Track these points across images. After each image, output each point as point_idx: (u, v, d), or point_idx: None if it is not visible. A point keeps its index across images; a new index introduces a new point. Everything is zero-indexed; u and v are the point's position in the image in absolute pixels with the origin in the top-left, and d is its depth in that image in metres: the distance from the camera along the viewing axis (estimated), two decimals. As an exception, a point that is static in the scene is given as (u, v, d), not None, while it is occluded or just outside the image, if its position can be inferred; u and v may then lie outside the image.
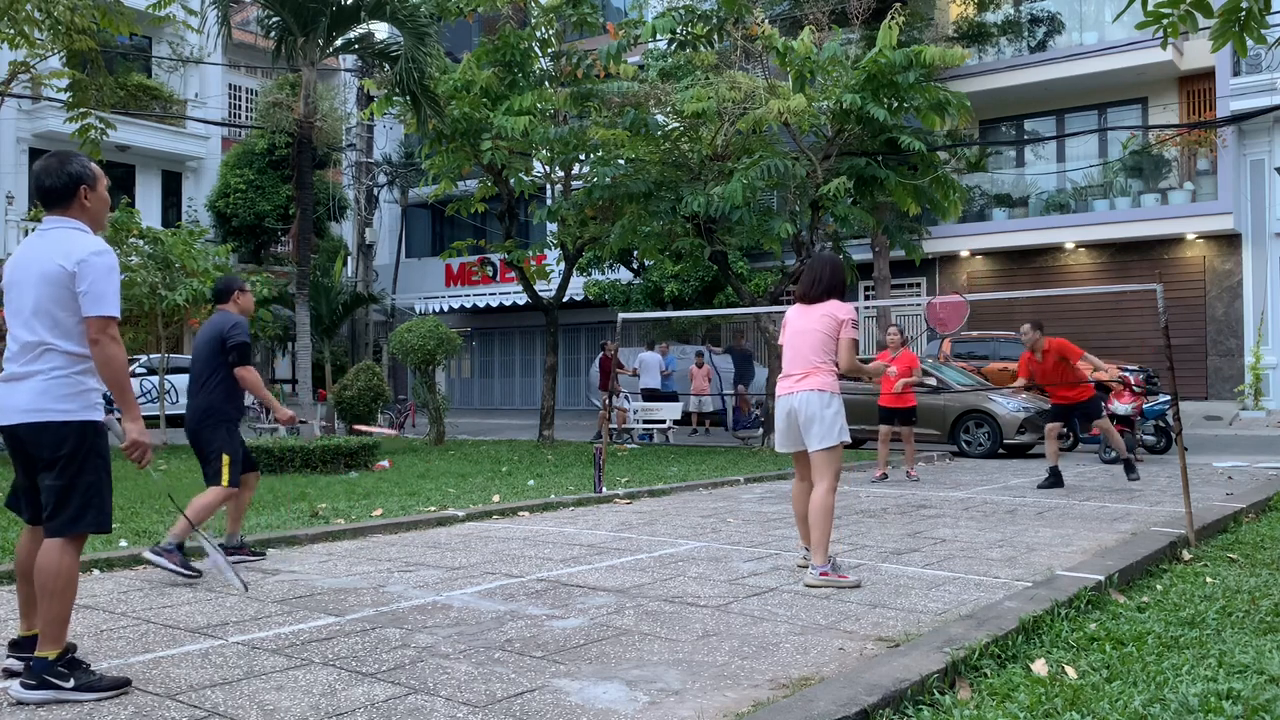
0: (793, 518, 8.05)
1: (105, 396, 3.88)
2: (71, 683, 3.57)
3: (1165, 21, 4.92)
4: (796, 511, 5.94)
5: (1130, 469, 10.33)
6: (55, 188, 3.79)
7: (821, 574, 5.42)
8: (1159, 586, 5.41)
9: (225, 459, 5.98)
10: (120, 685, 3.67)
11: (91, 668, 3.73)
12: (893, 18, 13.55)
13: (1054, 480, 10.21)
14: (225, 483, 5.99)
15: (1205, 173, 20.67)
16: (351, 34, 15.17)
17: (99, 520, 3.75)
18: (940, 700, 3.51)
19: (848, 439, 5.64)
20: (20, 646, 3.86)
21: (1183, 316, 20.07)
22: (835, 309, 5.70)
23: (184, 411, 6.35)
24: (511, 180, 16.54)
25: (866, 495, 9.77)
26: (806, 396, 5.58)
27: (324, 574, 5.87)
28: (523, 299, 25.59)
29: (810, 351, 5.66)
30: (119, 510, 8.09)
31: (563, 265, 17.97)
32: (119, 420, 3.96)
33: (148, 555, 5.76)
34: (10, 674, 3.79)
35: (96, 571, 5.92)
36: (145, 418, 14.30)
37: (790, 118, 13.27)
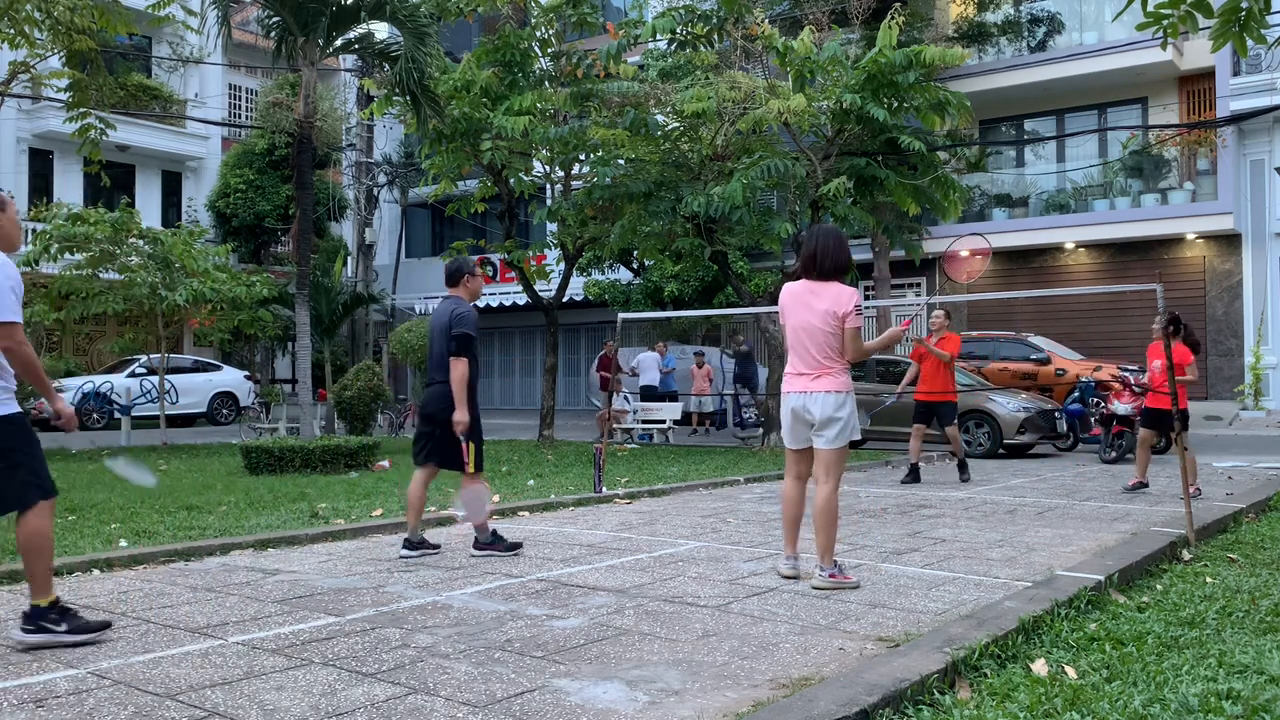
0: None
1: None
2: (64, 626, 4.25)
3: (1165, 22, 4.92)
4: (789, 515, 5.70)
5: (963, 469, 11.03)
6: None
7: (830, 575, 5.36)
8: (1159, 586, 5.41)
9: (470, 446, 6.35)
10: (103, 627, 4.38)
11: (79, 614, 4.39)
12: (893, 18, 13.54)
13: (913, 477, 10.92)
14: (472, 469, 6.35)
15: (1205, 173, 20.67)
16: (351, 34, 15.16)
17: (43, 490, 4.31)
18: (940, 700, 3.51)
19: (858, 436, 5.56)
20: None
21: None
22: (838, 302, 5.40)
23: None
24: (511, 180, 16.53)
25: (866, 495, 9.77)
26: (823, 399, 5.42)
27: (324, 574, 5.87)
28: (523, 299, 25.59)
29: (819, 352, 5.46)
30: (118, 510, 8.10)
31: (563, 265, 17.96)
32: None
33: (474, 552, 6.37)
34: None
35: (96, 571, 5.92)
36: (145, 417, 14.45)
37: (790, 118, 13.27)
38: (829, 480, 5.46)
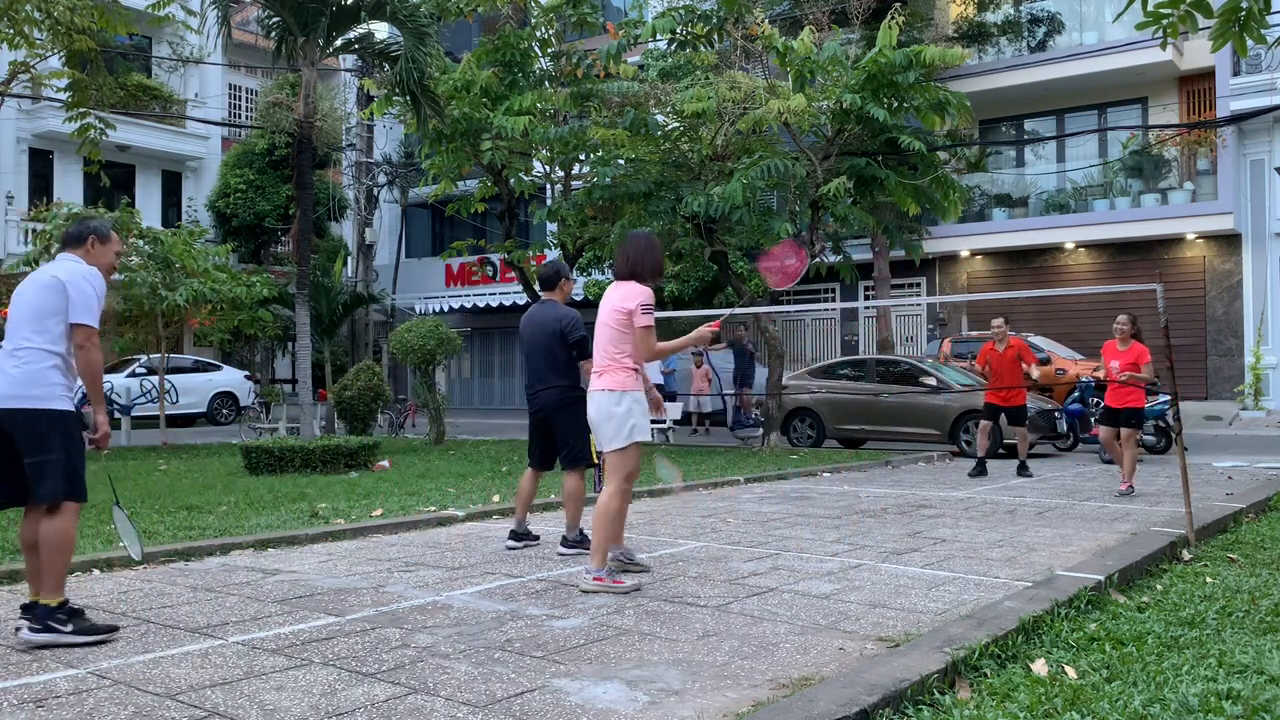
0: (793, 517, 8.06)
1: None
2: (70, 627, 4.28)
3: (1165, 22, 4.92)
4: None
5: (1023, 468, 11.44)
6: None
7: (595, 579, 5.27)
8: (1159, 586, 5.41)
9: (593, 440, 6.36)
10: (110, 630, 4.39)
11: (85, 615, 4.41)
12: (893, 18, 13.55)
13: (981, 469, 11.40)
14: (595, 459, 6.40)
15: (1205, 173, 20.67)
16: (351, 34, 15.17)
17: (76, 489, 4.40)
18: (940, 700, 3.51)
19: (643, 437, 5.38)
20: (30, 610, 4.43)
21: (1183, 316, 20.07)
22: (625, 298, 5.35)
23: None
24: (511, 180, 16.53)
25: (866, 495, 9.77)
26: (597, 398, 5.41)
27: (324, 574, 5.87)
28: (523, 299, 25.57)
29: (602, 348, 5.45)
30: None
31: (563, 265, 17.94)
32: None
33: (561, 549, 6.44)
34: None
35: (96, 571, 5.92)
36: (145, 417, 14.47)
37: (790, 118, 13.27)
38: (610, 481, 5.38)
